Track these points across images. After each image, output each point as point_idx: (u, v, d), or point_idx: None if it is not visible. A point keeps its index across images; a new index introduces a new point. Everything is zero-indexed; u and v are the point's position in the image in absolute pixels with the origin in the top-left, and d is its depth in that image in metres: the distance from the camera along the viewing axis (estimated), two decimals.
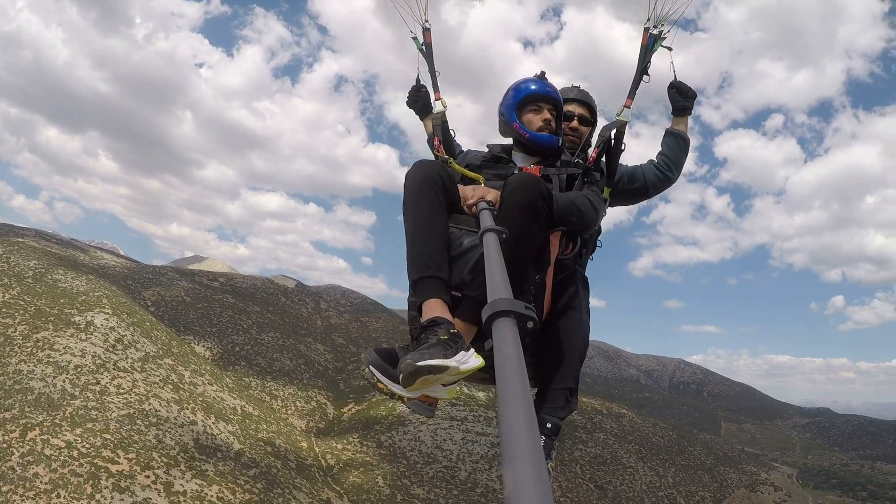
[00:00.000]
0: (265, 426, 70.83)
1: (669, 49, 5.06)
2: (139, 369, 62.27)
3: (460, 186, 4.16)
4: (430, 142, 5.58)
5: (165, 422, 55.74)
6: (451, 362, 2.97)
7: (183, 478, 49.18)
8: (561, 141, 4.97)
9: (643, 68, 4.96)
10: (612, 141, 4.83)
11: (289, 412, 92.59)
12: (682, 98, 5.33)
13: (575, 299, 4.66)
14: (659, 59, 5.09)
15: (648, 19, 4.97)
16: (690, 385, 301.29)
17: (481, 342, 2.79)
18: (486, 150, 5.14)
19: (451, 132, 5.40)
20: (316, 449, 79.34)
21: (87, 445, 48.13)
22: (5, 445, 46.29)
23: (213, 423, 60.96)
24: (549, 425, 4.52)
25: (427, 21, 5.66)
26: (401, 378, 2.97)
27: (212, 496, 48.69)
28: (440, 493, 76.72)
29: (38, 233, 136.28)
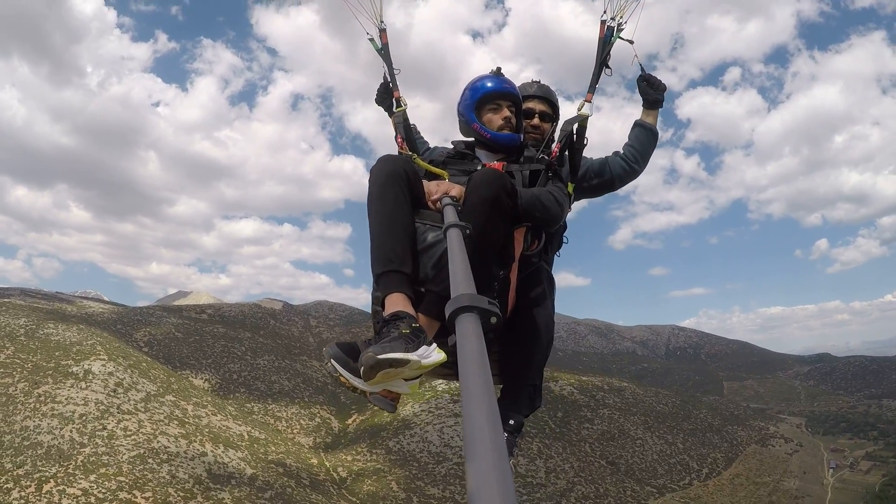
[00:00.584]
0: (274, 448, 71.56)
1: (630, 42, 5.09)
2: (143, 409, 62.93)
3: (425, 182, 4.22)
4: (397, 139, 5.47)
5: (176, 457, 56.47)
6: (412, 356, 2.98)
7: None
8: (523, 137, 5.02)
9: (602, 61, 5.03)
10: (575, 136, 4.88)
11: (294, 431, 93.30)
12: (653, 91, 5.38)
13: (540, 296, 4.70)
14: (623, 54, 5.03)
15: (605, 11, 5.01)
16: (687, 350, 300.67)
17: (444, 337, 2.95)
18: (451, 146, 5.20)
19: (413, 127, 5.48)
20: (326, 463, 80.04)
21: (104, 490, 48.83)
22: (23, 501, 46.95)
23: (223, 451, 61.72)
24: (511, 422, 4.58)
25: (382, 22, 5.63)
26: (361, 371, 2.96)
27: None
28: (455, 490, 77.53)
29: (22, 291, 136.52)
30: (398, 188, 3.85)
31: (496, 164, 4.66)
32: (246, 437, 70.12)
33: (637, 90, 5.47)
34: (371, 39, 5.60)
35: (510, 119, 4.83)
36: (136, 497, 48.85)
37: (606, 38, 5.00)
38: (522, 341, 4.58)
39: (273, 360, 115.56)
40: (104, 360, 69.84)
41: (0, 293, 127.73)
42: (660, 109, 5.50)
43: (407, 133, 5.25)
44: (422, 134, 5.73)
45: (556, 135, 5.24)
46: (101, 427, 57.35)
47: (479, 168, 4.56)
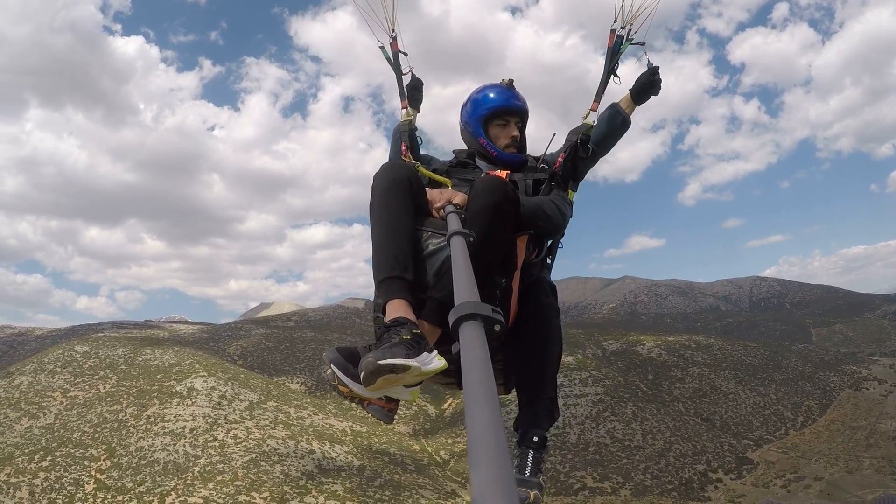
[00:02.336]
0: (376, 439, 73.00)
1: (642, 44, 5.04)
2: (248, 417, 64.85)
3: (428, 190, 4.24)
4: (397, 134, 5.50)
5: (286, 457, 58.10)
6: (413, 362, 2.99)
7: (317, 501, 51.57)
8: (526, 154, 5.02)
9: (610, 70, 5.00)
10: (580, 145, 4.84)
11: (394, 422, 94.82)
12: (650, 90, 5.13)
13: (546, 306, 4.58)
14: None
15: (615, 20, 4.98)
16: (771, 300, 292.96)
17: (445, 345, 3.11)
18: (453, 156, 5.24)
19: (419, 139, 5.32)
20: (428, 448, 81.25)
21: (223, 495, 50.51)
22: None
23: (329, 447, 63.25)
24: (535, 439, 4.43)
25: (394, 31, 5.62)
26: (361, 377, 2.97)
27: None
28: (556, 460, 78.10)
29: (113, 323, 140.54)
30: (401, 196, 3.89)
31: (500, 173, 4.60)
32: (349, 431, 71.72)
33: (636, 83, 5.13)
34: (382, 48, 5.67)
35: (517, 138, 4.93)
36: (255, 498, 50.49)
37: (616, 47, 5.03)
38: (534, 354, 4.53)
39: None
40: (204, 376, 72.15)
41: (94, 329, 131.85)
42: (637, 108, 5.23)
43: (412, 142, 5.25)
44: (421, 145, 5.48)
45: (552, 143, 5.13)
46: (212, 438, 59.37)
47: (482, 176, 4.54)
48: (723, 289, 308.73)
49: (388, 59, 5.63)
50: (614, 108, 5.06)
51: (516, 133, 4.90)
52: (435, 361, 3.11)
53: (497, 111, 4.88)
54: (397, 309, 3.38)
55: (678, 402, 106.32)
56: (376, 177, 4.00)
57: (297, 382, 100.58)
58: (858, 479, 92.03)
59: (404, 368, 2.94)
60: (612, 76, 4.99)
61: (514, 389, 4.66)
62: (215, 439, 59.49)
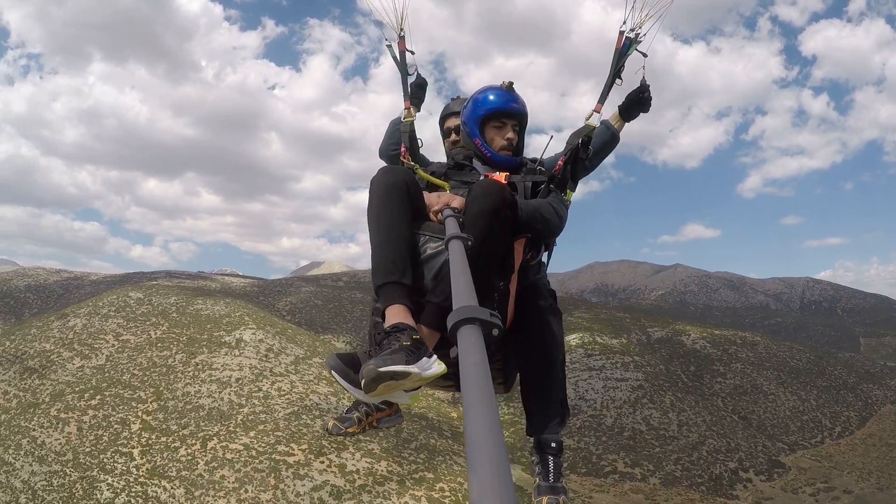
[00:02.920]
0: (415, 403, 73.59)
1: (644, 55, 4.96)
2: (293, 371, 66.03)
3: (426, 193, 4.23)
4: (395, 126, 5.63)
5: (327, 413, 58.90)
6: (413, 368, 3.01)
7: (353, 458, 52.43)
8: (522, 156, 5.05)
9: (616, 72, 4.97)
10: (581, 147, 4.85)
11: (432, 388, 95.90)
12: (638, 108, 5.17)
13: (546, 308, 4.65)
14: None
15: (625, 22, 4.93)
16: (822, 303, 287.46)
17: (444, 349, 3.04)
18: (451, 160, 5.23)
19: (419, 141, 5.42)
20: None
21: (263, 444, 51.68)
22: (190, 457, 50.21)
23: None
24: (553, 444, 4.49)
25: (402, 29, 5.65)
26: (362, 384, 2.97)
27: (382, 470, 51.78)
28: (590, 441, 78.65)
29: (167, 273, 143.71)
30: (398, 199, 3.87)
31: (498, 176, 4.66)
32: None
33: (625, 99, 5.18)
34: (389, 46, 5.69)
35: (513, 141, 4.90)
36: (294, 449, 51.55)
37: (623, 50, 4.96)
38: (537, 359, 4.58)
39: None
40: (253, 329, 73.55)
41: (147, 277, 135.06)
42: (626, 124, 5.26)
43: (412, 144, 5.31)
44: (421, 148, 5.61)
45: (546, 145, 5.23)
46: (256, 389, 60.69)
47: (480, 179, 4.61)
48: (775, 287, 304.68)
49: (394, 57, 5.70)
50: (604, 124, 5.09)
51: (512, 135, 4.90)
52: (434, 366, 3.17)
53: (495, 113, 4.89)
54: (396, 314, 3.43)
55: (717, 397, 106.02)
56: (374, 181, 4.01)
57: (343, 342, 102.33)
58: (889, 497, 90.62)
59: (405, 375, 2.98)
60: (617, 78, 4.99)
61: (521, 397, 4.75)
62: (260, 390, 60.84)
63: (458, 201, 4.02)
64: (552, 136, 5.16)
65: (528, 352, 4.56)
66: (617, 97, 5.16)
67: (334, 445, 53.66)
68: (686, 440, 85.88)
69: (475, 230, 3.62)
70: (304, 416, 57.33)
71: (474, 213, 3.75)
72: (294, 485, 48.02)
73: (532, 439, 4.62)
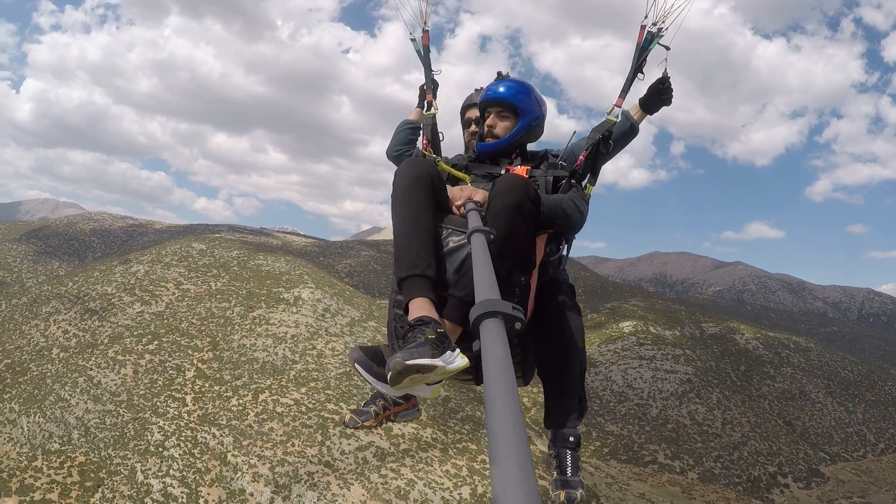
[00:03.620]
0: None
1: (667, 48, 4.90)
2: (348, 333, 66.67)
3: (449, 187, 4.25)
4: (405, 125, 5.87)
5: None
6: (438, 362, 3.02)
7: (400, 423, 53.20)
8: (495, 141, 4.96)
9: (638, 66, 4.91)
10: (602, 141, 4.78)
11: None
12: (659, 101, 5.12)
13: (566, 304, 4.61)
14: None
15: (646, 16, 4.87)
16: (881, 317, 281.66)
17: (466, 342, 3.19)
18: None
19: (440, 135, 5.39)
20: None
21: (313, 401, 52.49)
22: (241, 407, 51.23)
23: None
24: (571, 439, 4.52)
25: (426, 24, 5.71)
26: (389, 377, 2.99)
27: (427, 437, 52.36)
28: (633, 429, 78.42)
29: (230, 227, 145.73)
30: (423, 192, 3.87)
31: (520, 169, 4.65)
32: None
33: (647, 91, 5.13)
34: (413, 40, 5.76)
35: (493, 128, 4.90)
36: (342, 409, 52.05)
37: (645, 44, 4.89)
38: (557, 354, 4.55)
39: None
40: (312, 288, 74.28)
41: (210, 229, 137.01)
42: (648, 117, 5.27)
43: (433, 137, 5.31)
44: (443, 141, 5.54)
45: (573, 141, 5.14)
46: (311, 347, 61.57)
47: (502, 172, 4.65)
48: (834, 295, 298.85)
49: (417, 51, 5.78)
50: (624, 115, 5.00)
51: (492, 122, 4.89)
52: (458, 360, 3.16)
53: (482, 107, 5.02)
54: (420, 307, 3.43)
55: (764, 399, 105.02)
56: (398, 172, 4.04)
57: None
58: None
59: (431, 368, 3.00)
60: (639, 73, 4.92)
61: (543, 390, 4.73)
62: (314, 348, 61.70)
63: (480, 195, 4.08)
64: (575, 132, 5.12)
65: (548, 347, 4.56)
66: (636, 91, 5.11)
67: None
68: (729, 439, 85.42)
69: (498, 225, 3.70)
70: (355, 378, 57.85)
71: (498, 208, 3.78)
72: (340, 443, 48.77)
73: (549, 433, 4.69)
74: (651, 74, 4.98)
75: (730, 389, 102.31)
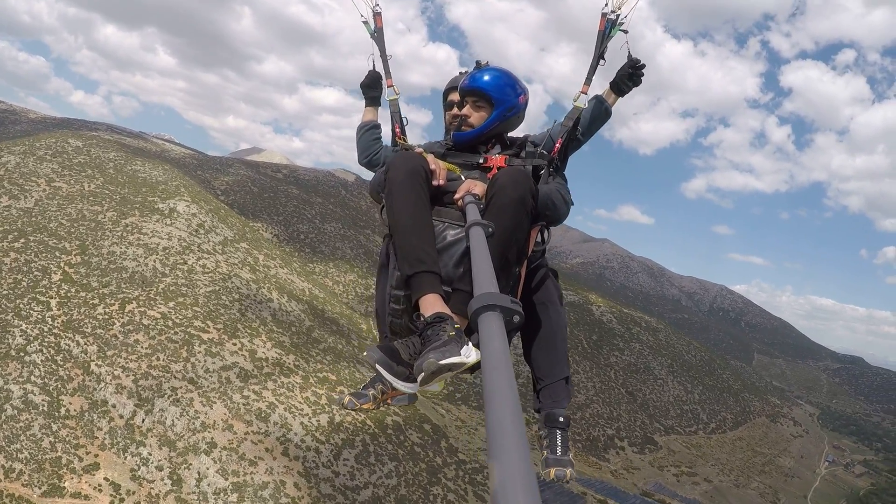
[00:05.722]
0: (329, 308, 75.10)
1: (626, 32, 4.94)
2: (220, 251, 66.97)
3: (429, 157, 4.23)
4: (364, 128, 5.62)
5: (246, 298, 60.15)
6: (464, 359, 3.05)
7: (264, 346, 53.73)
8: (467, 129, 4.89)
9: (600, 54, 4.94)
10: (572, 128, 4.86)
11: (349, 297, 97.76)
12: (630, 83, 5.07)
13: (551, 290, 4.69)
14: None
15: (606, 4, 4.94)
16: (730, 313, 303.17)
17: (469, 335, 3.22)
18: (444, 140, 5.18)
19: (404, 119, 5.38)
20: (374, 332, 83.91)
21: (181, 317, 52.59)
22: (107, 316, 50.78)
23: (287, 301, 65.60)
24: (561, 419, 4.55)
25: (377, 4, 5.61)
26: (421, 377, 3.03)
27: (289, 363, 53.31)
28: (477, 383, 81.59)
29: (108, 126, 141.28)
30: (419, 186, 3.89)
31: (499, 159, 4.65)
32: (307, 293, 74.13)
33: (617, 74, 5.12)
34: (365, 22, 5.61)
35: (466, 117, 4.84)
36: (209, 327, 52.53)
37: (606, 31, 4.95)
38: (546, 339, 4.65)
39: (339, 228, 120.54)
40: (188, 201, 73.56)
41: (88, 126, 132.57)
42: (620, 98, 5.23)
43: (401, 123, 5.33)
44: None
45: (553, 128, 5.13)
46: (182, 261, 61.41)
47: (480, 161, 4.66)
48: (690, 285, 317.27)
49: (371, 34, 5.65)
50: (597, 98, 5.08)
51: (466, 112, 4.85)
52: (473, 354, 3.14)
53: (460, 99, 5.00)
54: (433, 304, 3.47)
55: (612, 369, 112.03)
56: (391, 166, 4.01)
57: (271, 233, 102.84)
58: (742, 494, 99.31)
59: (460, 365, 3.05)
60: (601, 59, 4.98)
61: (531, 375, 4.78)
62: (185, 263, 61.71)
63: (480, 188, 4.10)
64: (556, 122, 5.07)
65: (536, 331, 4.64)
66: (600, 79, 5.16)
67: (248, 331, 54.93)
68: (573, 399, 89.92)
69: (503, 219, 3.73)
70: (223, 297, 58.36)
71: (503, 203, 3.78)
72: (205, 361, 49.43)
73: (539, 415, 4.74)
74: (615, 60, 5.07)
75: (580, 355, 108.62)
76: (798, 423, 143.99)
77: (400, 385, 3.36)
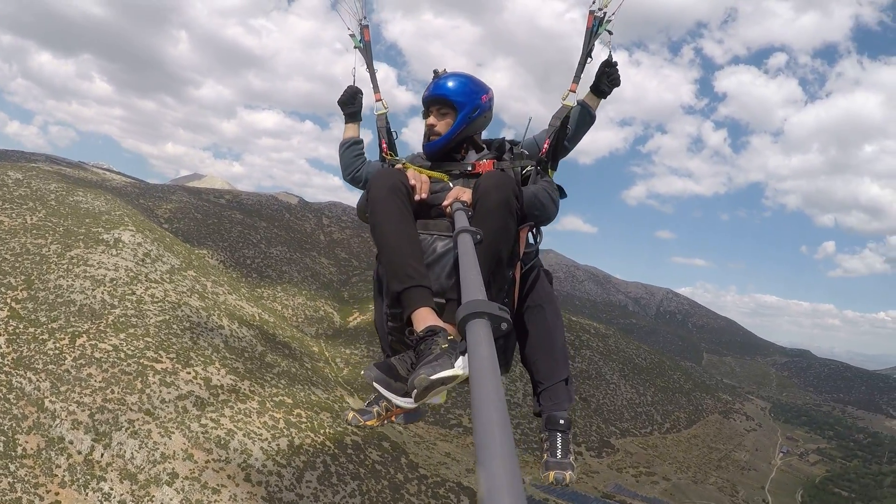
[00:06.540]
0: (280, 332, 75.37)
1: (611, 33, 4.91)
2: (168, 280, 66.85)
3: (409, 172, 4.20)
4: (345, 145, 5.51)
5: (197, 326, 60.21)
6: (458, 371, 3.00)
7: (218, 374, 53.71)
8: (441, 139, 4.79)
9: (588, 51, 4.88)
10: (561, 127, 4.76)
11: (299, 320, 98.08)
12: (608, 83, 5.01)
13: (545, 291, 4.67)
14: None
15: (593, 2, 4.89)
16: (676, 315, 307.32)
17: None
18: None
19: (394, 133, 5.24)
20: (326, 353, 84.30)
21: (132, 348, 52.42)
22: (58, 351, 50.47)
23: (238, 327, 65.99)
24: (562, 422, 4.50)
25: (365, 18, 5.55)
26: (415, 394, 3.02)
27: (245, 389, 53.49)
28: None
29: (47, 157, 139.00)
30: (400, 201, 3.85)
31: (486, 163, 4.62)
32: (257, 318, 74.29)
33: (596, 75, 5.06)
34: (352, 35, 5.53)
35: (433, 126, 4.76)
36: (162, 357, 52.51)
37: (593, 28, 4.88)
38: (543, 341, 4.61)
39: (285, 251, 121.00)
40: (133, 231, 73.19)
41: (27, 157, 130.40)
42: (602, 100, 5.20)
43: (389, 137, 5.17)
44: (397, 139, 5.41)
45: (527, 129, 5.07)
46: (130, 292, 61.16)
47: (466, 169, 4.62)
48: (636, 291, 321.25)
49: (357, 47, 5.55)
50: (581, 104, 4.98)
51: (432, 121, 4.77)
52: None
53: (425, 107, 4.88)
54: (426, 318, 3.41)
55: None
56: (372, 183, 3.99)
57: (217, 259, 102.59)
58: (701, 490, 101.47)
59: (453, 378, 3.00)
60: (588, 57, 4.91)
61: (530, 378, 4.75)
62: (133, 293, 61.40)
63: (467, 195, 4.04)
64: (531, 119, 5.00)
65: (534, 334, 4.60)
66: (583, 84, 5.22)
67: (201, 359, 54.87)
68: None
69: (489, 224, 3.70)
70: (174, 326, 58.21)
71: (488, 207, 3.77)
72: (160, 391, 49.30)
73: (540, 418, 4.68)
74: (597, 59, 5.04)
75: None
76: (750, 418, 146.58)
77: (398, 401, 3.39)
